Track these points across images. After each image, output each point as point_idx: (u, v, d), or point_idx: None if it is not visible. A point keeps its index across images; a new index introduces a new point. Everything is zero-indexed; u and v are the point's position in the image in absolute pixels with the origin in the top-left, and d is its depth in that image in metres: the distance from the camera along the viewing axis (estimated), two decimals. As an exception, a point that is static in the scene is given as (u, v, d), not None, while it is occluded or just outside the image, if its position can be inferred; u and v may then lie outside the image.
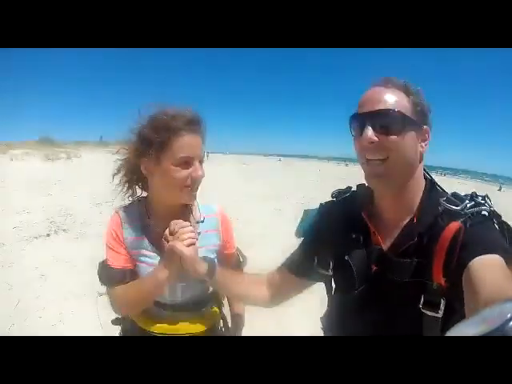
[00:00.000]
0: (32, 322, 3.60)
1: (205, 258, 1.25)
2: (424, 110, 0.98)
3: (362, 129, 0.95)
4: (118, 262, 1.30)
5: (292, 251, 1.28)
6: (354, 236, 1.05)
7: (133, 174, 1.35)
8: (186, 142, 1.18)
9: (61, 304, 4.02)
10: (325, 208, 1.20)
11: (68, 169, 15.45)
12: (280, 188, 14.41)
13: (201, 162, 1.24)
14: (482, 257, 0.78)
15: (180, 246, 1.15)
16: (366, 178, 1.00)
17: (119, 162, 1.35)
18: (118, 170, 1.36)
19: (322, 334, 1.19)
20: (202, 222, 1.38)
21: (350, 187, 1.20)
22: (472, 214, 0.89)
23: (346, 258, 1.02)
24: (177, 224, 1.21)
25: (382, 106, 0.93)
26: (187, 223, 1.23)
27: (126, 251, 1.31)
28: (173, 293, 1.35)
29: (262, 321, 2.68)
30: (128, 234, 1.31)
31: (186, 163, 1.19)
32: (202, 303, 1.43)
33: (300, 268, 1.22)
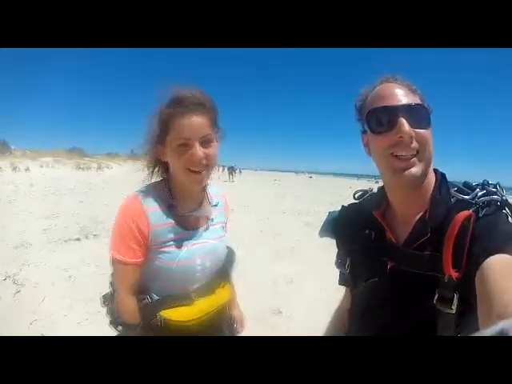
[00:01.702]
0: (56, 320, 3.42)
1: None
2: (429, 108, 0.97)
3: (391, 123, 0.90)
4: (132, 256, 1.25)
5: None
6: (367, 233, 1.07)
7: (152, 160, 1.36)
8: (182, 124, 1.18)
9: (88, 304, 3.79)
10: (345, 209, 1.22)
11: (99, 179, 15.70)
12: (311, 203, 14.04)
13: (205, 142, 1.22)
14: (496, 257, 0.75)
15: None
16: (394, 172, 0.93)
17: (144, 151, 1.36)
18: (146, 161, 1.38)
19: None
20: (216, 205, 1.46)
21: (371, 188, 1.23)
22: (483, 203, 0.88)
23: (357, 253, 1.09)
24: None
25: (409, 100, 0.92)
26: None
27: (144, 243, 1.25)
28: (193, 283, 1.36)
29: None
30: (154, 222, 1.25)
31: (186, 145, 1.19)
32: (216, 282, 1.46)
33: (344, 279, 1.24)
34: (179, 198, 1.32)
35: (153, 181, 1.38)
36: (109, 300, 1.40)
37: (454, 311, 0.84)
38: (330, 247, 1.24)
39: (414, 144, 0.89)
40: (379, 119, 0.93)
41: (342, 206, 1.23)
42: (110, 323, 1.37)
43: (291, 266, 5.56)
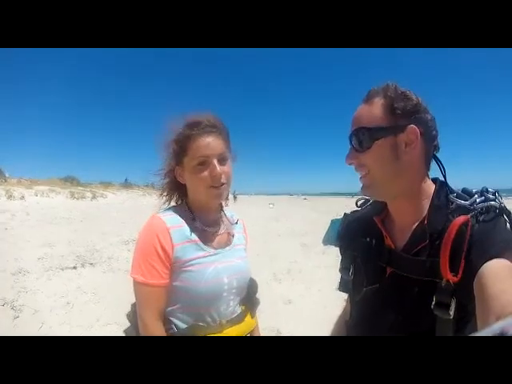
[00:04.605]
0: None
1: None
2: (406, 109, 0.93)
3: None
4: (157, 277, 1.20)
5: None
6: (368, 240, 1.09)
7: (172, 184, 1.40)
8: (200, 144, 1.26)
9: (87, 330, 3.80)
10: (347, 217, 1.25)
11: (94, 207, 15.66)
12: (306, 224, 14.04)
13: (221, 160, 1.29)
14: (494, 262, 0.77)
15: None
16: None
17: (163, 177, 1.41)
18: (163, 185, 1.42)
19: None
20: (236, 223, 1.51)
21: None
22: (482, 209, 0.90)
23: (359, 260, 1.09)
24: None
25: (354, 127, 0.98)
26: None
27: (167, 262, 1.21)
28: (220, 305, 1.31)
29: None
30: (177, 240, 1.24)
31: (205, 163, 1.26)
32: (245, 310, 1.43)
33: (344, 285, 1.24)
34: (199, 217, 1.34)
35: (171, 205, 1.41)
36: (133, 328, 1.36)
37: (451, 317, 0.84)
38: (326, 266, 1.28)
39: (365, 166, 0.98)
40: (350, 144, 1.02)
41: (345, 213, 1.27)
42: None
43: (289, 286, 5.58)
